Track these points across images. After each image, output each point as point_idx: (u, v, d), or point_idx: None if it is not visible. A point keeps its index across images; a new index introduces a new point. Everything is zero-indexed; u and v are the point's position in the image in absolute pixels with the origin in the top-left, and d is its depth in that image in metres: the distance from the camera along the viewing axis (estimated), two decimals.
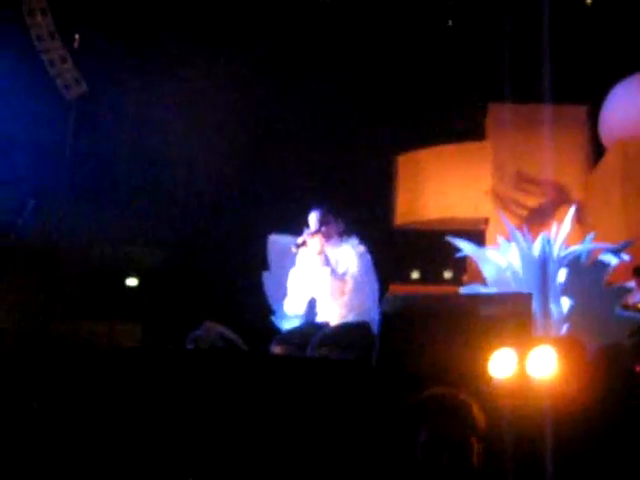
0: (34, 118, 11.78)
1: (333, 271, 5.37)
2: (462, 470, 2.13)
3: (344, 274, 5.35)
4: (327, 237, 5.52)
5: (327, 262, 5.42)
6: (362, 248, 5.51)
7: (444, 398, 2.27)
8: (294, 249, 5.54)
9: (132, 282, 14.73)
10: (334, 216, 5.65)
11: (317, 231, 5.48)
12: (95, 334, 11.07)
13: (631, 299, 8.78)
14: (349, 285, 5.32)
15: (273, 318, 6.22)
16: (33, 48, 11.44)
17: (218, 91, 13.24)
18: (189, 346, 5.01)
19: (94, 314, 12.43)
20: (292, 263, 5.87)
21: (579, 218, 8.22)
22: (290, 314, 5.62)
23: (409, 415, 2.24)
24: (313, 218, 5.54)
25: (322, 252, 5.47)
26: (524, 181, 12.54)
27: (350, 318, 5.18)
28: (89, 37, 11.74)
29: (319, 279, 5.48)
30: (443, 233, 10.36)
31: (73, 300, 12.85)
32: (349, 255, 5.44)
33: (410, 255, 14.25)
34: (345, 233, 5.63)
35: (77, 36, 11.57)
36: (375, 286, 5.43)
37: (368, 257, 5.47)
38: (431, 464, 2.14)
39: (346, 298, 5.29)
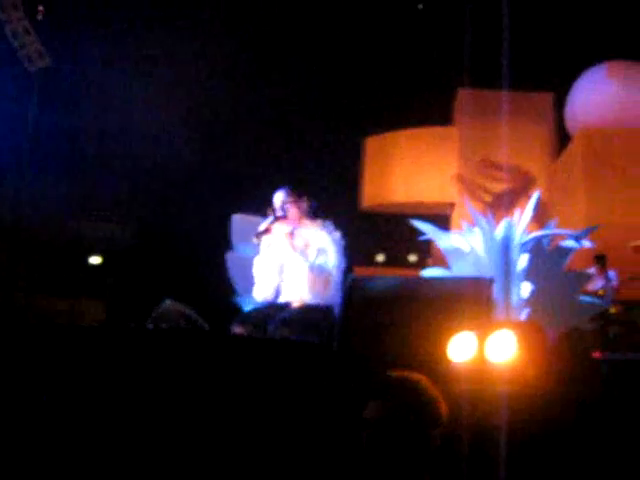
0: None
1: (302, 253, 5.29)
2: (413, 453, 2.12)
3: (319, 262, 5.24)
4: (295, 218, 5.43)
5: (296, 245, 5.33)
6: (338, 235, 5.40)
7: (402, 380, 2.26)
8: (255, 240, 5.43)
9: (96, 260, 14.59)
10: (303, 195, 5.52)
11: (282, 216, 5.39)
12: (57, 311, 10.95)
13: (591, 285, 8.89)
14: (319, 271, 5.23)
15: (235, 297, 6.19)
16: None
17: (187, 67, 13.09)
18: (149, 325, 4.96)
19: (57, 291, 12.30)
20: (254, 244, 5.79)
21: (542, 204, 8.29)
22: (260, 300, 5.55)
23: (361, 395, 2.24)
24: (279, 197, 5.46)
25: (291, 234, 5.37)
26: (489, 167, 12.63)
27: (313, 301, 5.14)
28: (53, 9, 11.52)
29: (287, 263, 5.39)
30: (409, 217, 10.40)
31: (36, 277, 12.68)
32: (323, 240, 5.31)
33: (375, 238, 14.26)
34: (317, 213, 5.51)
35: (41, 8, 11.34)
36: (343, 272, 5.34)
37: (342, 244, 5.37)
38: (378, 444, 2.13)
39: (313, 283, 5.21)
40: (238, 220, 6.43)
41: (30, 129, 12.16)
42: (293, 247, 5.35)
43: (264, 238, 5.44)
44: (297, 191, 5.52)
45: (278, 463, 3.54)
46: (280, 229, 5.44)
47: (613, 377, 4.37)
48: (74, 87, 12.56)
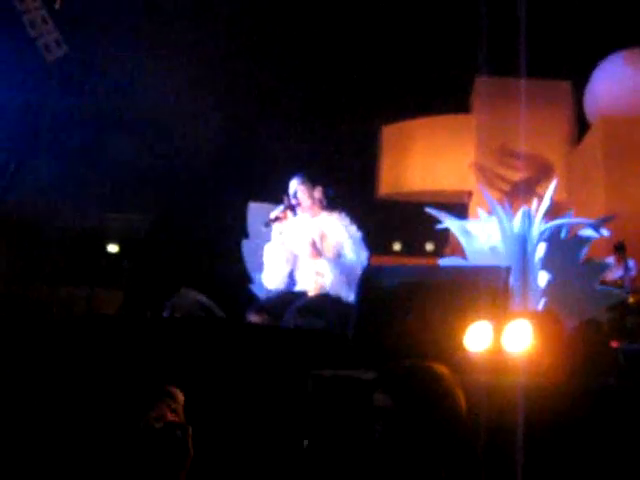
0: (14, 80, 11.59)
1: (317, 246, 5.23)
2: (428, 445, 2.10)
3: (335, 257, 5.18)
4: (307, 207, 5.39)
5: (318, 251, 5.26)
6: (354, 228, 5.34)
7: (423, 370, 2.24)
8: (264, 228, 5.40)
9: (113, 248, 14.65)
10: (317, 183, 5.45)
11: (295, 204, 5.33)
12: (75, 300, 11.00)
13: (610, 275, 8.83)
14: (335, 266, 5.17)
15: (251, 286, 6.20)
16: (13, 9, 11.22)
17: (202, 58, 13.08)
18: (165, 313, 4.98)
19: (74, 280, 12.36)
20: (270, 230, 5.78)
21: (560, 193, 8.24)
22: (270, 288, 5.54)
23: (374, 384, 2.22)
24: (293, 185, 5.42)
25: (314, 245, 5.29)
26: (507, 155, 12.55)
27: (329, 291, 5.12)
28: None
29: (302, 255, 5.35)
30: (425, 205, 10.36)
31: (53, 265, 12.76)
32: (340, 233, 5.23)
33: (392, 226, 14.22)
34: (333, 203, 5.43)
35: None
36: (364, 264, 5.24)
37: (359, 237, 5.30)
38: (391, 435, 2.10)
39: (329, 277, 5.15)
40: (256, 208, 6.43)
41: (48, 117, 12.21)
42: (314, 254, 5.25)
43: (276, 225, 5.40)
44: (311, 179, 5.46)
45: (291, 449, 3.55)
46: (294, 220, 5.40)
47: (630, 367, 4.35)
48: (93, 75, 12.59)
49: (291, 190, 5.41)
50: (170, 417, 2.27)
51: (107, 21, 12.04)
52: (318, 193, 5.39)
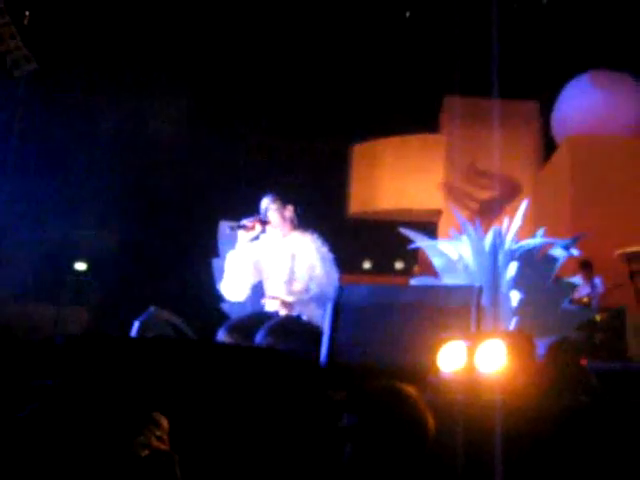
0: None
1: (290, 266, 5.19)
2: (398, 464, 2.09)
3: (307, 277, 5.13)
4: (277, 225, 5.34)
5: (286, 251, 5.24)
6: (325, 249, 5.30)
7: (390, 391, 2.23)
8: (228, 230, 5.33)
9: (81, 266, 14.50)
10: (288, 203, 5.42)
11: (265, 221, 5.30)
12: (43, 318, 10.84)
13: (577, 293, 8.92)
14: (307, 287, 5.12)
15: (222, 305, 6.14)
16: None
17: (170, 72, 13.05)
18: (134, 333, 4.91)
19: (42, 298, 12.20)
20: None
21: (530, 212, 8.33)
22: (228, 298, 5.44)
23: (343, 406, 2.20)
24: (264, 203, 5.38)
25: (282, 237, 5.26)
26: (476, 174, 12.67)
27: (300, 312, 5.08)
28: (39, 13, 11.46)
29: (273, 272, 5.29)
30: (395, 223, 10.38)
31: (21, 284, 12.58)
32: (311, 253, 5.20)
33: (362, 245, 14.26)
34: (304, 222, 5.38)
35: (27, 13, 11.28)
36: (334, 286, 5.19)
37: (331, 258, 5.27)
38: (361, 456, 2.09)
39: (301, 298, 5.10)
40: (225, 227, 6.38)
41: (16, 133, 12.08)
42: (284, 253, 5.24)
43: (242, 233, 5.31)
44: (282, 198, 5.43)
45: (261, 472, 3.51)
46: (264, 236, 5.35)
47: (600, 386, 4.37)
48: (60, 91, 12.51)
49: (262, 208, 5.38)
50: (155, 444, 2.22)
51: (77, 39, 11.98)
52: (289, 212, 5.36)
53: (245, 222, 5.30)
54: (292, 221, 5.36)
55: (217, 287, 6.26)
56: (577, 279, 9.16)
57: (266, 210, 5.33)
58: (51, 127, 12.82)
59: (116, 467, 2.17)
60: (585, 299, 8.87)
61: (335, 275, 5.21)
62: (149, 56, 12.73)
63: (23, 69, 11.10)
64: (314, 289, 5.12)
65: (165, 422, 2.32)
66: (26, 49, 10.99)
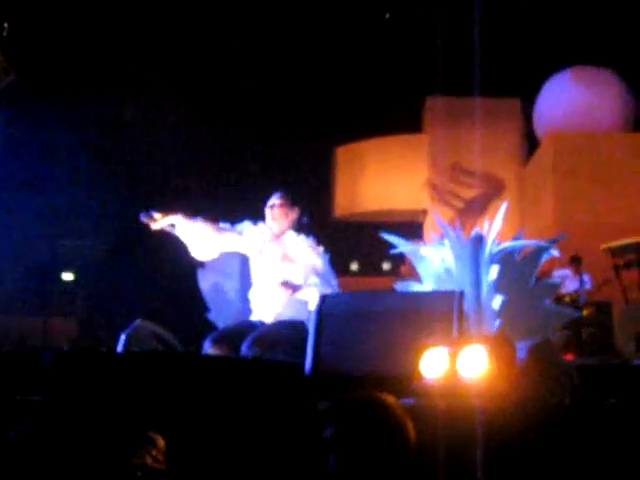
0: None
1: (287, 267, 5.17)
2: (380, 474, 2.12)
3: (305, 268, 5.11)
4: (279, 224, 5.28)
5: (278, 250, 5.22)
6: (321, 249, 5.29)
7: (368, 401, 2.26)
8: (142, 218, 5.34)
9: (68, 276, 14.48)
10: (296, 206, 5.37)
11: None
12: (30, 330, 10.84)
13: (565, 288, 8.98)
14: (303, 291, 5.10)
15: (208, 315, 6.15)
16: None
17: (159, 79, 13.05)
18: (120, 347, 4.91)
19: (29, 309, 12.18)
20: (227, 258, 5.73)
21: (512, 210, 8.39)
22: (197, 258, 5.47)
23: (322, 416, 2.23)
24: (272, 199, 5.34)
25: (277, 236, 5.25)
26: (459, 173, 12.74)
27: (287, 318, 5.08)
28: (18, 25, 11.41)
29: (266, 277, 5.28)
30: (381, 225, 10.43)
31: (8, 295, 12.54)
32: (310, 257, 5.18)
33: (349, 247, 14.28)
34: (302, 229, 5.36)
35: (5, 24, 11.22)
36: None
37: (327, 258, 5.26)
38: (343, 466, 2.12)
39: (292, 302, 5.09)
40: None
41: None
42: (282, 256, 5.23)
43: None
44: (291, 199, 5.37)
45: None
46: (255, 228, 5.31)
47: (585, 384, 4.41)
48: (41, 103, 12.46)
49: (268, 204, 5.34)
50: (151, 464, 2.23)
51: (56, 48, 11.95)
52: (294, 214, 5.32)
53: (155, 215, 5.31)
54: (293, 223, 5.32)
55: (202, 297, 6.27)
56: (566, 272, 9.24)
57: (271, 206, 5.31)
58: (33, 138, 12.78)
59: None
60: (574, 295, 8.95)
61: (332, 272, 5.21)
62: (129, 60, 12.71)
63: (3, 81, 11.05)
64: (314, 280, 5.09)
65: (161, 441, 2.33)
66: (4, 61, 10.95)
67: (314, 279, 5.12)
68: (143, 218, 5.32)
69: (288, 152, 13.93)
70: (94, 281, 13.19)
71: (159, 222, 5.33)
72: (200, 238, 5.39)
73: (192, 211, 5.61)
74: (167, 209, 5.51)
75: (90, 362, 4.12)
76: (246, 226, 5.47)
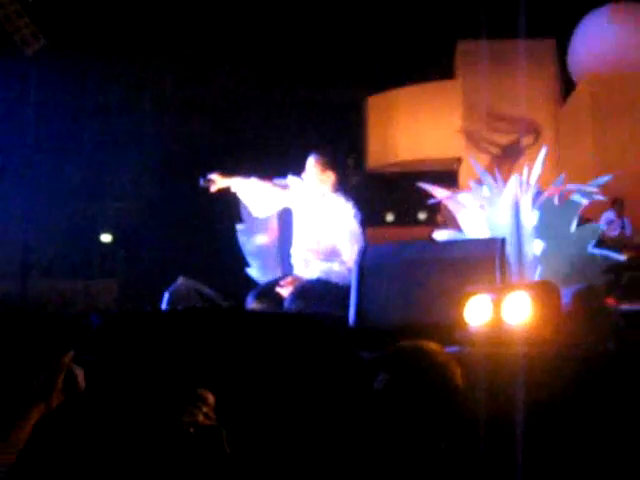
0: None
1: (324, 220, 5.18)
2: (427, 421, 2.16)
3: (340, 231, 5.12)
4: (312, 185, 5.29)
5: (318, 211, 5.23)
6: (355, 210, 5.28)
7: (413, 350, 2.29)
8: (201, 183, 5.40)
9: (107, 238, 14.66)
10: (329, 169, 5.34)
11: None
12: (72, 292, 11.01)
13: (608, 232, 8.87)
14: (340, 244, 5.11)
15: (248, 270, 6.20)
16: None
17: (181, 41, 12.99)
18: (164, 305, 4.98)
19: (70, 272, 12.37)
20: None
21: (550, 154, 8.26)
22: (256, 215, 5.59)
23: (371, 366, 2.28)
24: (311, 162, 5.33)
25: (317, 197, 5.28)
26: (495, 118, 12.53)
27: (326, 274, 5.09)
28: None
29: (304, 236, 5.29)
30: (415, 174, 10.34)
31: (48, 259, 12.75)
32: (347, 213, 5.17)
33: (384, 198, 14.24)
34: (341, 186, 5.35)
35: None
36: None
37: (360, 218, 5.26)
38: (389, 415, 2.17)
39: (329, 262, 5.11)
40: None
41: (32, 111, 12.12)
42: (320, 214, 5.23)
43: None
44: (324, 162, 5.34)
45: (294, 437, 3.58)
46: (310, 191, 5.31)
47: (629, 329, 4.39)
48: (73, 67, 12.49)
49: (310, 166, 5.34)
50: (202, 421, 2.27)
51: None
52: (327, 177, 5.28)
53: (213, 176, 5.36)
54: (333, 185, 5.29)
55: (242, 253, 6.32)
56: (609, 213, 9.14)
57: (307, 168, 5.32)
58: (66, 101, 12.85)
59: (164, 445, 2.23)
60: (615, 238, 8.88)
61: (362, 235, 5.20)
62: (161, 20, 12.67)
63: (33, 47, 11.09)
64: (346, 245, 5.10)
65: (211, 397, 2.37)
66: (34, 26, 10.97)
67: (346, 243, 5.12)
68: (202, 183, 5.39)
69: (321, 104, 13.84)
70: (133, 242, 13.33)
71: (218, 184, 5.38)
72: (259, 195, 5.48)
73: (232, 173, 5.65)
74: (203, 171, 5.55)
75: (138, 323, 4.17)
76: (293, 181, 5.49)
